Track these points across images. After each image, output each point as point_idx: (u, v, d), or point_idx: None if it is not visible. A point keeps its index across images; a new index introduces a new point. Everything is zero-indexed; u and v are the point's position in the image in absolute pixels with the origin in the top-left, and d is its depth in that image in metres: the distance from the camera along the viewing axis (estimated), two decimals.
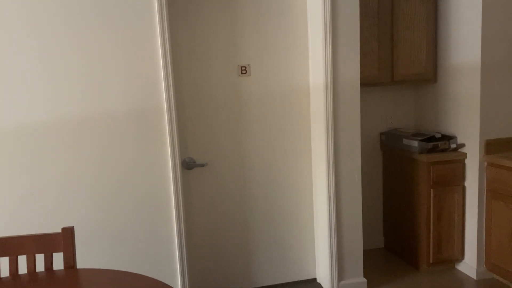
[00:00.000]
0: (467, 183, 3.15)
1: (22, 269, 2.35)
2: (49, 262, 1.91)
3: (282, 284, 3.17)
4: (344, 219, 2.94)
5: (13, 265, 1.88)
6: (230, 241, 3.02)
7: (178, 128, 2.77)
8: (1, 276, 1.83)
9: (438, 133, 3.25)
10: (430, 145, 3.14)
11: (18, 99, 2.41)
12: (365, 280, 3.07)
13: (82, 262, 2.57)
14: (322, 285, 3.13)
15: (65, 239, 1.93)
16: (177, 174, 2.64)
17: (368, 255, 3.65)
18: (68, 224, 2.53)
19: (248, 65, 2.85)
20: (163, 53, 2.50)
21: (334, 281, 2.98)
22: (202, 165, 2.88)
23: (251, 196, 3.01)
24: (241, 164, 2.95)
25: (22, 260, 2.36)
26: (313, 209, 3.13)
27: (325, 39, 2.71)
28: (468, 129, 3.08)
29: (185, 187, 2.87)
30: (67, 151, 2.50)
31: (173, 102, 2.59)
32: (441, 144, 3.15)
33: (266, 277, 3.13)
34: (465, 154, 3.13)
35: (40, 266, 2.24)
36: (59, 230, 2.52)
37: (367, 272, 3.34)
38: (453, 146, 3.17)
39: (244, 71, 2.85)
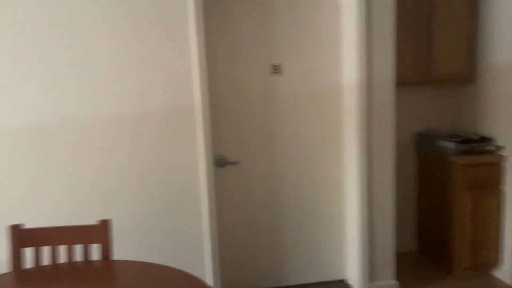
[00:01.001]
0: (505, 187, 3.05)
1: (62, 258, 2.45)
2: (86, 253, 1.99)
3: (310, 284, 3.17)
4: (376, 220, 2.91)
5: (53, 255, 1.97)
6: (259, 239, 3.05)
7: (211, 126, 2.82)
8: (42, 265, 1.92)
9: (476, 134, 3.16)
10: (467, 146, 3.05)
11: (64, 95, 2.51)
12: (396, 282, 3.02)
13: (118, 253, 2.66)
14: (352, 286, 3.10)
15: (102, 231, 2.00)
16: (209, 172, 2.69)
17: (401, 257, 3.59)
18: (106, 217, 2.62)
19: (281, 64, 2.86)
20: (197, 53, 2.55)
21: (365, 282, 2.95)
22: (234, 163, 2.91)
23: (281, 195, 3.02)
24: (272, 163, 2.97)
25: (62, 250, 2.46)
26: (344, 210, 3.10)
27: (360, 37, 2.69)
28: (508, 131, 2.98)
29: (217, 185, 2.91)
30: (108, 147, 2.59)
31: (206, 101, 2.63)
32: (479, 146, 3.06)
33: (294, 276, 3.13)
34: (504, 157, 3.02)
35: (78, 256, 2.33)
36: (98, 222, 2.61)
37: (399, 275, 3.28)
38: (491, 148, 3.07)
39: (276, 70, 2.86)
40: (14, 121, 2.48)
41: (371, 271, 2.96)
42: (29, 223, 2.55)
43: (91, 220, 2.61)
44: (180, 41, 2.56)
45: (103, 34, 2.48)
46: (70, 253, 1.97)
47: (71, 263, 1.90)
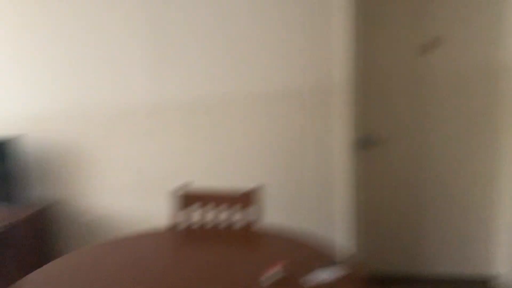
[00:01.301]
0: None
1: (218, 219, 2.69)
2: (240, 214, 2.16)
3: (452, 277, 2.97)
4: None
5: (210, 215, 2.18)
6: (402, 222, 2.94)
7: (357, 106, 2.78)
8: (201, 223, 2.13)
9: None
10: None
11: (223, 73, 2.73)
12: None
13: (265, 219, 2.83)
14: (503, 281, 2.82)
15: (254, 197, 2.14)
16: (351, 151, 2.67)
17: None
18: (248, 181, 2.79)
19: (436, 38, 2.68)
20: (342, 31, 2.51)
21: None
22: (377, 144, 2.84)
23: (428, 178, 2.86)
24: (419, 145, 2.82)
25: (218, 211, 2.70)
26: (496, 201, 2.82)
27: None
28: None
29: (361, 164, 2.88)
30: (252, 123, 2.75)
31: (352, 80, 2.61)
32: None
33: (434, 267, 2.97)
34: None
35: (233, 218, 2.53)
36: (246, 187, 2.79)
37: None
38: None
39: (429, 46, 2.69)
40: (183, 95, 2.78)
41: None
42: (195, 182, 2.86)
43: (234, 185, 2.80)
44: (324, 19, 2.55)
45: (253, 18, 2.61)
46: (224, 214, 2.15)
47: (223, 223, 2.08)
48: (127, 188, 2.93)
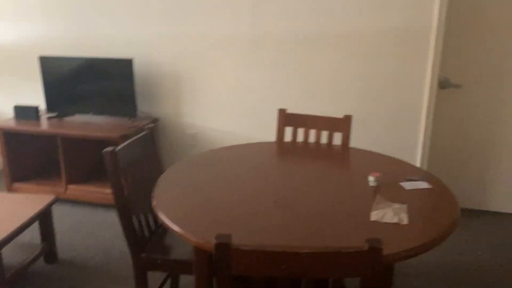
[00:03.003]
0: None
1: (312, 139, 3.05)
2: (331, 138, 2.50)
3: None
4: None
5: (306, 135, 2.53)
6: (471, 163, 3.18)
7: (442, 48, 2.94)
8: (297, 141, 2.50)
9: None
10: None
11: (324, 11, 2.97)
12: None
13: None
14: None
15: (345, 124, 2.46)
16: (432, 91, 2.89)
17: None
18: (340, 112, 3.11)
19: None
20: None
21: None
22: (457, 86, 3.03)
23: (501, 123, 3.04)
24: (497, 91, 2.98)
25: (313, 133, 3.07)
26: None
27: None
28: None
29: (437, 104, 3.10)
30: (344, 57, 3.01)
31: (442, 22, 2.76)
32: None
33: (500, 204, 3.21)
34: None
35: (324, 140, 2.88)
36: (337, 116, 3.11)
37: None
38: None
39: None
40: (282, 29, 3.07)
41: None
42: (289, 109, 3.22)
43: (327, 113, 3.13)
44: None
45: None
46: (318, 136, 2.50)
47: (318, 144, 2.43)
48: (226, 110, 3.34)
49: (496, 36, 2.86)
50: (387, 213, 1.47)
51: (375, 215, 1.47)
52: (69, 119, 3.32)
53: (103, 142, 3.45)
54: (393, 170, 1.92)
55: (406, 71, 2.91)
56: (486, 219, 3.11)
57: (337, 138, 3.01)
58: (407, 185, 1.74)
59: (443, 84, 3.01)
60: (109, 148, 1.71)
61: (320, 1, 2.91)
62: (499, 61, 2.90)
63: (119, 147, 1.77)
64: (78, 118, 3.35)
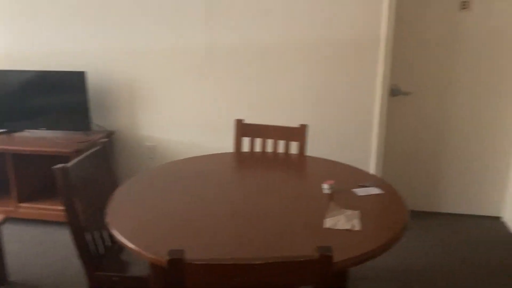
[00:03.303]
0: None
1: (269, 149, 3.08)
2: (287, 147, 2.54)
3: (465, 215, 3.37)
4: None
5: (264, 145, 2.56)
6: (422, 167, 3.31)
7: (391, 57, 3.06)
8: (255, 151, 2.52)
9: None
10: None
11: (267, 23, 3.02)
12: None
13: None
14: (507, 224, 3.22)
15: (300, 133, 2.51)
16: (383, 99, 3.00)
17: None
18: (295, 121, 3.17)
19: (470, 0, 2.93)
20: None
21: None
22: (407, 94, 3.16)
23: (449, 128, 3.19)
24: (445, 97, 3.13)
25: (269, 142, 3.09)
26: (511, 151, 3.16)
27: None
28: None
29: (388, 111, 3.22)
30: (298, 67, 3.08)
31: (391, 33, 2.89)
32: None
33: (451, 206, 3.36)
34: None
35: (281, 149, 2.91)
36: (292, 125, 3.16)
37: None
38: None
39: (465, 6, 2.93)
40: (237, 40, 3.09)
41: None
42: (246, 119, 3.24)
43: (286, 123, 3.18)
44: None
45: None
46: (275, 145, 2.54)
47: (275, 153, 2.46)
48: (183, 121, 3.32)
49: (440, 45, 3.01)
50: (340, 220, 1.51)
51: (328, 223, 1.51)
52: (19, 134, 3.20)
53: (56, 158, 3.34)
54: (347, 177, 1.97)
55: (358, 80, 3.01)
56: (439, 221, 3.25)
57: (294, 147, 3.06)
58: (360, 192, 1.79)
59: (393, 92, 3.13)
60: (60, 165, 1.66)
61: (274, 13, 2.96)
62: (444, 69, 3.05)
63: (70, 163, 1.72)
64: (29, 133, 3.23)
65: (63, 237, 2.97)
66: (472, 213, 3.34)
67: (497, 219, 3.30)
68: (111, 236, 1.97)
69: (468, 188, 3.27)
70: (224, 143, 3.27)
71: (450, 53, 3.01)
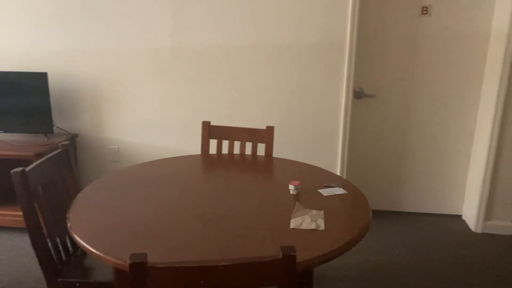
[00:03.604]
0: None
1: (236, 150, 3.07)
2: (254, 149, 2.54)
3: (427, 214, 3.48)
4: (502, 163, 3.06)
5: (231, 147, 2.56)
6: (385, 168, 3.40)
7: (355, 61, 3.13)
8: (222, 153, 2.51)
9: None
10: None
11: (231, 26, 3.03)
12: None
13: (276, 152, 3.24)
14: (467, 222, 3.35)
15: (267, 135, 2.52)
16: (348, 101, 3.06)
17: None
18: (263, 123, 3.18)
19: (430, 5, 3.03)
20: None
21: (479, 220, 3.18)
22: (370, 96, 3.24)
23: (411, 129, 3.29)
24: (407, 100, 3.23)
25: (236, 144, 3.09)
26: (472, 148, 3.29)
27: None
28: None
29: (353, 113, 3.28)
30: (265, 70, 3.09)
31: (355, 37, 2.95)
32: None
33: (413, 205, 3.46)
34: None
35: (248, 151, 2.92)
36: (260, 127, 3.17)
37: None
38: None
39: (425, 11, 3.03)
40: (204, 42, 3.08)
41: (488, 209, 3.17)
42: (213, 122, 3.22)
43: (254, 125, 3.19)
44: None
45: None
46: (243, 147, 2.54)
47: (242, 155, 2.46)
48: (149, 124, 3.28)
49: (402, 49, 3.10)
50: (305, 220, 1.53)
51: (294, 223, 1.52)
52: None
53: (16, 162, 3.23)
54: (313, 178, 1.99)
55: (324, 83, 3.06)
56: (402, 220, 3.33)
57: (261, 149, 3.09)
58: (325, 192, 1.82)
59: (358, 95, 3.20)
60: (18, 168, 1.61)
61: (241, 15, 2.97)
62: (406, 72, 3.14)
63: (29, 167, 1.67)
64: None
65: (25, 244, 2.86)
66: (434, 212, 3.45)
67: (458, 217, 3.41)
68: (73, 242, 1.91)
69: (430, 188, 3.37)
70: (191, 146, 3.25)
71: (411, 57, 3.11)
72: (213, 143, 3.10)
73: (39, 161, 1.76)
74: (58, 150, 1.94)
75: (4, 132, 3.06)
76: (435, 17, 3.03)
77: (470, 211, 3.25)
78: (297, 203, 1.69)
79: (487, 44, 3.03)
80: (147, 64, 3.13)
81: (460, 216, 3.42)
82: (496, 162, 3.03)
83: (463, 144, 3.25)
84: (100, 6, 3.04)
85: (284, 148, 3.20)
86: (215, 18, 2.99)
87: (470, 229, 3.21)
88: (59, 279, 1.70)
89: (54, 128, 3.26)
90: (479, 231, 3.16)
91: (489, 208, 3.12)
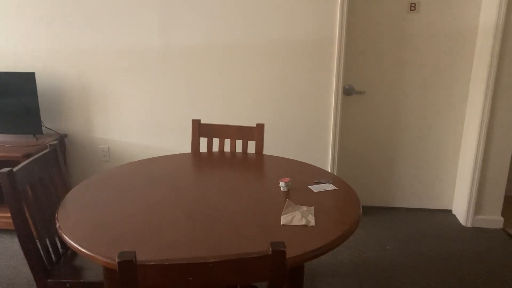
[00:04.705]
0: None
1: (226, 148, 3.06)
2: (245, 146, 2.54)
3: (418, 209, 3.50)
4: (491, 158, 3.09)
5: (221, 145, 2.55)
6: (376, 164, 3.41)
7: (345, 58, 3.14)
8: (212, 151, 2.51)
9: None
10: None
11: (226, 24, 3.02)
12: (502, 218, 3.23)
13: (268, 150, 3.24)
14: (457, 217, 3.37)
15: (258, 132, 2.52)
16: (338, 98, 3.07)
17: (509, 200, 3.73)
18: (253, 121, 3.18)
19: (418, 2, 3.04)
20: None
21: (470, 214, 3.20)
22: (360, 93, 3.25)
23: (401, 125, 3.31)
24: (396, 96, 3.25)
25: (227, 142, 3.09)
26: (461, 144, 3.31)
27: None
28: None
29: (343, 110, 3.29)
30: (255, 68, 3.09)
31: (344, 34, 2.96)
32: None
33: (404, 200, 3.48)
34: None
35: (238, 148, 2.91)
36: (250, 125, 3.17)
37: (506, 214, 3.45)
38: None
39: (413, 8, 3.05)
40: (192, 41, 3.06)
41: (478, 204, 3.20)
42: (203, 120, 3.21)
43: (243, 123, 3.18)
44: None
45: None
46: (233, 145, 2.53)
47: (232, 153, 2.46)
48: (139, 123, 3.26)
49: (391, 46, 3.12)
50: (296, 216, 1.53)
51: (284, 219, 1.52)
52: None
53: (4, 163, 3.19)
54: (303, 174, 2.00)
55: (314, 80, 3.06)
56: (393, 215, 3.35)
57: (252, 147, 3.08)
58: (315, 188, 1.82)
59: (348, 91, 3.21)
60: (5, 169, 1.59)
61: (231, 13, 2.96)
62: (395, 68, 3.16)
63: (17, 167, 1.65)
64: None
65: (15, 246, 2.84)
66: (424, 207, 3.47)
67: (448, 212, 3.44)
68: (63, 242, 1.90)
69: (420, 183, 3.39)
70: (181, 144, 3.24)
71: (400, 53, 3.12)
72: (203, 141, 3.09)
73: (27, 161, 1.75)
74: (46, 150, 1.92)
75: None
76: (423, 13, 3.04)
77: (460, 206, 3.28)
78: (287, 199, 1.69)
79: (475, 39, 3.06)
80: (136, 63, 3.11)
81: (450, 211, 3.45)
82: (485, 157, 3.05)
83: (453, 139, 3.28)
84: (88, 5, 3.02)
85: (274, 146, 3.21)
86: (204, 16, 2.98)
87: (460, 224, 3.24)
88: (49, 280, 1.69)
89: (43, 128, 3.23)
90: (469, 225, 3.19)
91: (478, 202, 3.15)
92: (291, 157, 3.20)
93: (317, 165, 3.18)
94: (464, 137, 3.24)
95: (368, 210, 3.42)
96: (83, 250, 1.33)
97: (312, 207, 1.62)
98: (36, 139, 3.04)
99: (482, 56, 2.96)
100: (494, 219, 3.17)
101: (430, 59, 3.11)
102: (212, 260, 1.01)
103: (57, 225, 1.50)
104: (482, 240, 2.98)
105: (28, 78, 2.94)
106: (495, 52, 2.83)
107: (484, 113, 2.95)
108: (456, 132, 3.25)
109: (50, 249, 1.80)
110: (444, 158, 3.32)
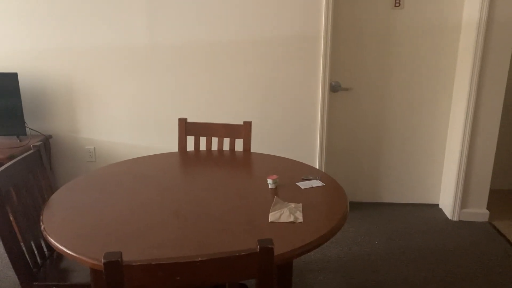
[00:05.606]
0: None
1: (214, 146, 3.06)
2: (232, 144, 2.53)
3: (405, 204, 3.53)
4: (476, 152, 3.13)
5: (208, 143, 2.54)
6: (363, 160, 3.43)
7: (331, 54, 3.15)
8: (200, 149, 2.49)
9: None
10: None
11: (211, 23, 3.00)
12: (487, 212, 3.27)
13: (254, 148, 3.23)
14: (444, 211, 3.41)
15: (245, 130, 2.52)
16: (325, 95, 3.07)
17: (497, 194, 3.78)
18: (240, 119, 3.17)
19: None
20: None
21: (456, 208, 3.24)
22: (347, 89, 3.26)
23: (387, 121, 3.33)
24: (382, 92, 3.27)
25: (214, 140, 3.07)
26: (447, 139, 3.35)
27: None
28: None
29: (330, 107, 3.30)
30: (242, 65, 3.08)
31: (329, 31, 2.96)
32: None
33: (391, 196, 3.51)
34: None
35: (226, 147, 2.90)
36: (238, 123, 3.16)
37: (492, 207, 3.50)
38: None
39: (397, 4, 3.06)
40: (179, 39, 3.04)
41: (464, 198, 3.23)
42: (190, 118, 3.19)
43: (231, 121, 3.17)
44: None
45: None
46: (220, 143, 2.52)
47: (220, 151, 2.45)
48: (125, 122, 3.23)
49: (376, 42, 3.13)
50: (284, 213, 1.53)
51: (272, 216, 1.52)
52: None
53: None
54: (291, 171, 2.00)
55: (300, 77, 3.06)
56: (380, 210, 3.38)
57: (239, 145, 3.08)
58: (303, 185, 1.82)
59: (334, 88, 3.21)
60: None
61: (218, 10, 2.95)
62: (380, 65, 3.18)
63: None
64: None
65: None
66: (411, 201, 3.50)
67: (435, 206, 3.48)
68: (49, 244, 1.87)
69: (407, 178, 3.42)
70: (168, 143, 3.22)
71: (385, 49, 3.14)
72: (190, 140, 3.08)
73: (10, 163, 1.72)
74: (30, 151, 1.89)
75: None
76: (408, 9, 3.06)
77: (447, 200, 3.32)
78: (275, 197, 1.69)
79: (458, 35, 3.09)
80: (122, 61, 3.08)
81: (437, 205, 3.48)
82: (470, 152, 3.09)
83: (438, 135, 3.31)
84: (70, 3, 2.98)
85: (262, 143, 3.20)
86: (190, 14, 2.96)
87: (447, 217, 3.28)
88: (35, 283, 1.67)
89: (27, 129, 3.18)
90: (455, 219, 3.23)
91: (464, 196, 3.19)
92: (278, 155, 3.20)
93: (305, 162, 3.19)
94: (449, 132, 3.27)
95: (356, 206, 3.44)
96: (68, 252, 1.31)
97: (300, 204, 1.62)
98: (20, 141, 3.00)
99: (466, 51, 2.99)
100: (480, 212, 3.21)
101: (415, 55, 3.13)
102: (200, 259, 1.00)
103: (42, 227, 1.48)
104: (468, 233, 3.01)
105: (10, 79, 2.89)
106: (478, 48, 2.86)
107: (468, 108, 2.99)
108: (441, 127, 3.29)
109: (36, 252, 1.77)
110: (430, 153, 3.35)
